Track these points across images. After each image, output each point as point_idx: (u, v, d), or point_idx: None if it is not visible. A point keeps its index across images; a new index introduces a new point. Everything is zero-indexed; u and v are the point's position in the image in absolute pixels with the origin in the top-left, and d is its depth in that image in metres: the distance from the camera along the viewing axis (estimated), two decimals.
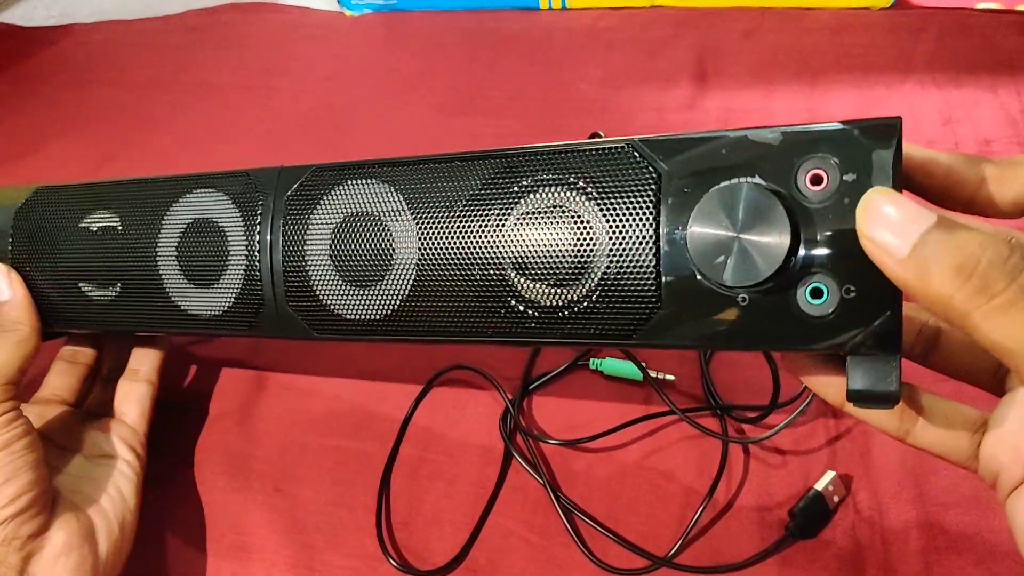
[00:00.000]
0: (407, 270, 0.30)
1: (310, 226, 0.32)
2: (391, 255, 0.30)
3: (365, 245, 0.31)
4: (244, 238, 0.33)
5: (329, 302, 0.32)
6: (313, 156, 0.32)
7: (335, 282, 0.32)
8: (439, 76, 0.79)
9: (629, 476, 0.46)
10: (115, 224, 0.38)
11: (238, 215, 0.33)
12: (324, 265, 0.32)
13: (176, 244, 0.35)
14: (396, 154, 0.32)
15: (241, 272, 0.33)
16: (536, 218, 0.28)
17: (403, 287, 0.30)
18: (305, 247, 0.32)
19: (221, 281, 0.34)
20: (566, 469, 0.47)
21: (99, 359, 0.49)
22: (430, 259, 0.30)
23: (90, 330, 0.37)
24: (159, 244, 0.35)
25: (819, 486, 0.43)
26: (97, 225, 0.38)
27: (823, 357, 0.28)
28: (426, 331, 0.31)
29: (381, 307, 0.31)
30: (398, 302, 0.31)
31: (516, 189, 0.29)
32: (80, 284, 0.39)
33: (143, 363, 0.48)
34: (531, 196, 0.29)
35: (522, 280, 0.29)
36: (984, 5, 0.80)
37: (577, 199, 0.28)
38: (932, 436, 0.27)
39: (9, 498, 0.35)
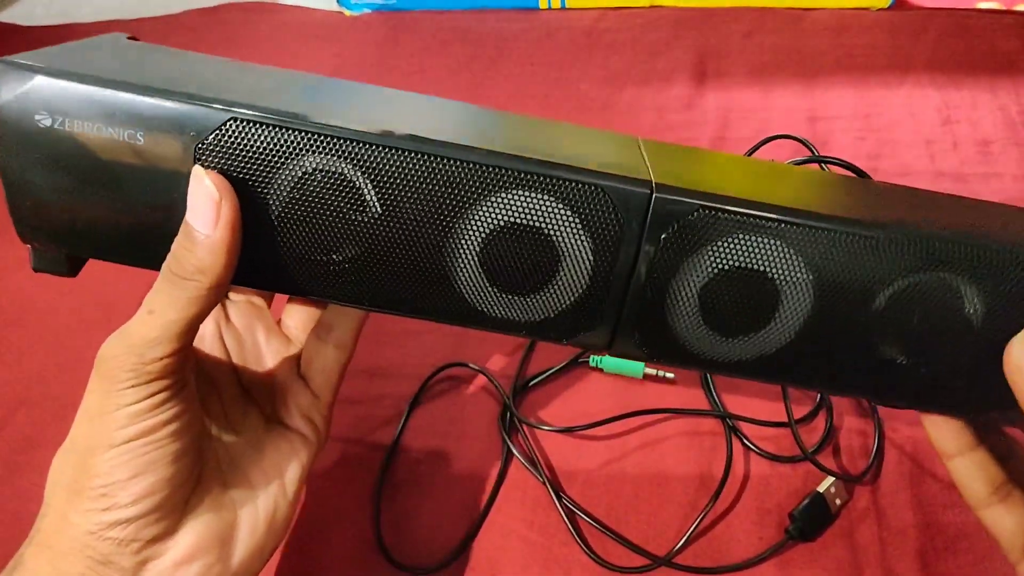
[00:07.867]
0: (784, 333, 0.30)
1: (680, 268, 0.30)
2: (771, 316, 0.30)
3: (745, 300, 0.29)
4: (590, 258, 0.30)
5: (687, 339, 0.31)
6: None
7: (696, 323, 0.30)
8: (439, 75, 0.79)
9: (629, 475, 0.46)
10: (373, 198, 0.28)
11: (582, 233, 0.30)
12: (689, 306, 0.30)
13: (481, 242, 0.30)
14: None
15: (577, 292, 0.31)
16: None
17: (778, 341, 0.30)
18: (669, 286, 0.30)
19: (544, 293, 0.31)
20: (566, 467, 0.47)
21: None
22: (819, 336, 0.30)
23: (306, 295, 0.31)
24: (453, 237, 0.30)
25: (821, 488, 0.43)
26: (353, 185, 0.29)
27: None
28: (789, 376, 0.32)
29: (746, 352, 0.31)
30: (774, 349, 0.30)
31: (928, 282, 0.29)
32: (314, 247, 0.30)
33: (340, 321, 0.37)
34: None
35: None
36: (984, 5, 0.80)
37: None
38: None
39: (135, 496, 0.28)
